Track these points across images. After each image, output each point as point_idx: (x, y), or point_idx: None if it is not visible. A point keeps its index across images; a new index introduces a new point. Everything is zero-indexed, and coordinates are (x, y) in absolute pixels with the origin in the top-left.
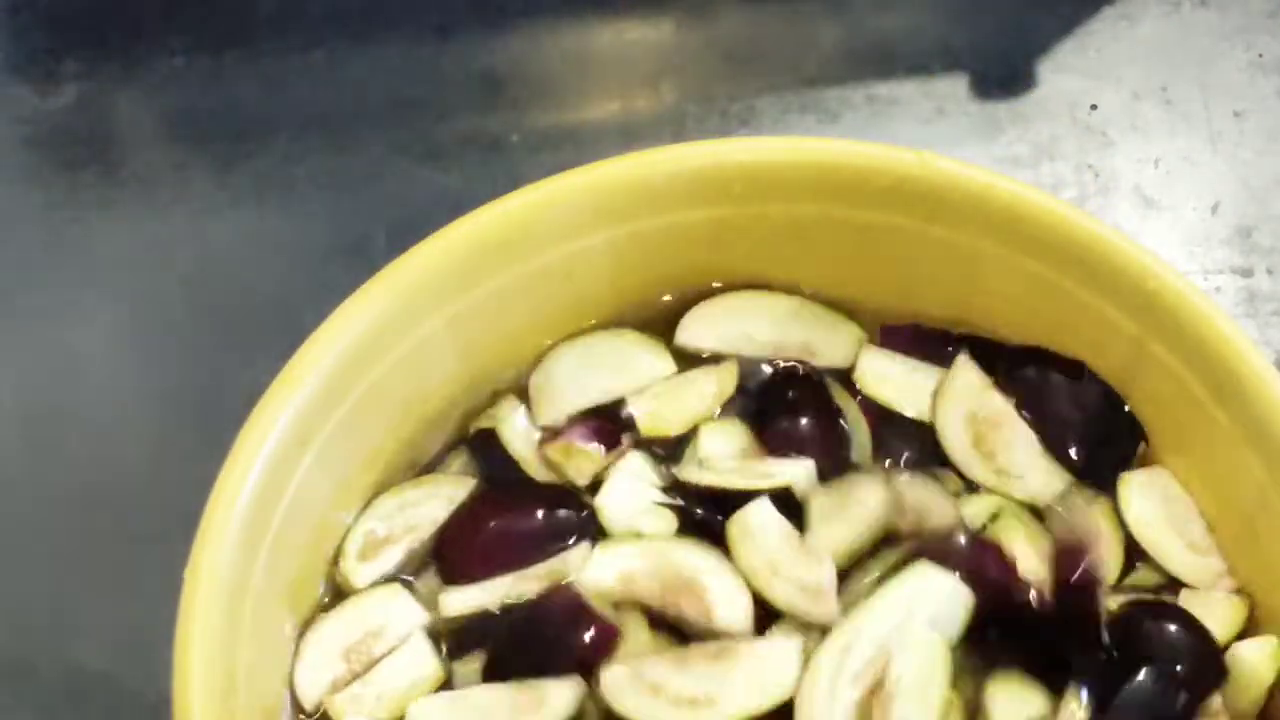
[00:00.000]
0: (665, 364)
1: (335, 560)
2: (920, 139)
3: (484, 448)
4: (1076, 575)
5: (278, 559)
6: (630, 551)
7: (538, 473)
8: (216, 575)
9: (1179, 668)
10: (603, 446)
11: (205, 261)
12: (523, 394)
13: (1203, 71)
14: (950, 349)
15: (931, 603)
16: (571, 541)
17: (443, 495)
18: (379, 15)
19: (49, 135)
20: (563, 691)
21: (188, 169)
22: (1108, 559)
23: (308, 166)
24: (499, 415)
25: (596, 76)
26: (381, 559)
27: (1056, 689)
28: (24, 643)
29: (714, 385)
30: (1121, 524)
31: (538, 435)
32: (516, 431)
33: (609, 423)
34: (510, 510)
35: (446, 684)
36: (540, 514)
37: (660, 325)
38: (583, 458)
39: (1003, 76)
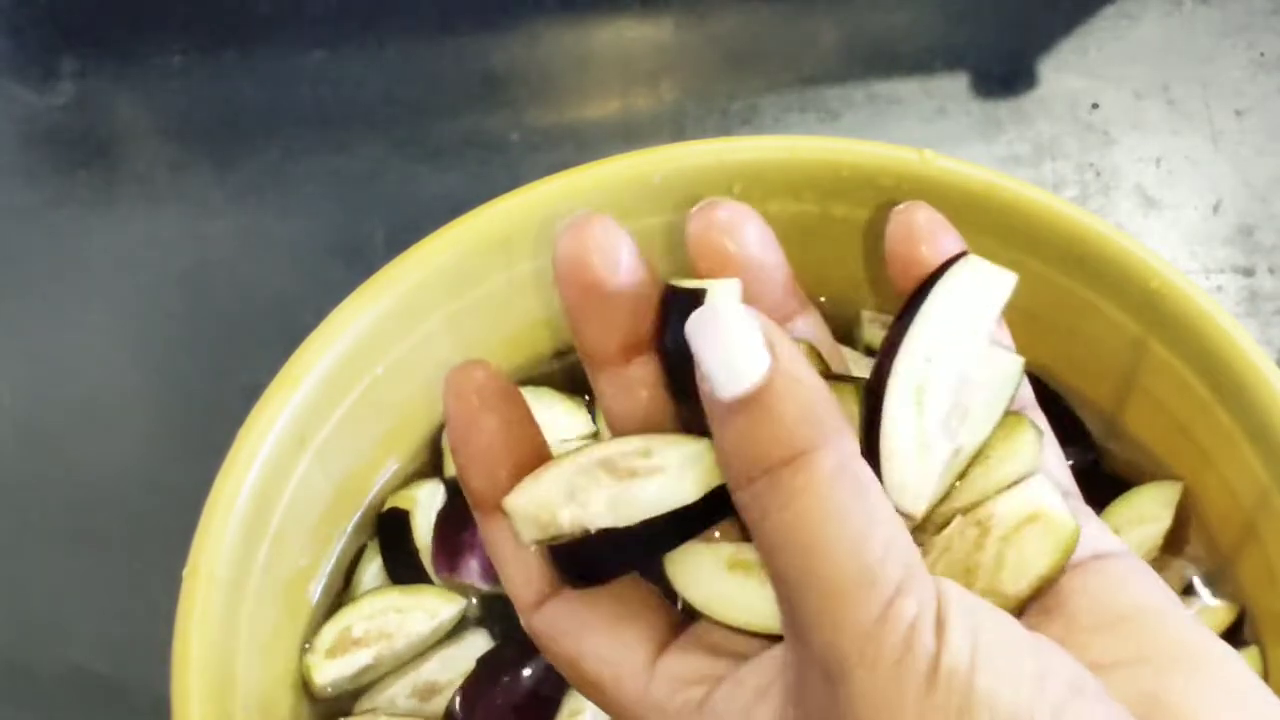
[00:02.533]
0: (583, 423)
1: (304, 647)
2: (921, 138)
3: (390, 532)
4: None
5: (277, 559)
6: None
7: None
8: (215, 576)
9: None
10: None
11: (204, 261)
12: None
13: (1204, 70)
14: None
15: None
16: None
17: (425, 609)
18: (378, 15)
19: (47, 134)
20: None
21: (186, 168)
22: None
23: (307, 166)
24: (414, 496)
25: (596, 76)
26: (347, 659)
27: None
28: (24, 643)
29: None
30: None
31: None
32: (430, 519)
33: None
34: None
35: None
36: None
37: None
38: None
39: (1004, 75)
